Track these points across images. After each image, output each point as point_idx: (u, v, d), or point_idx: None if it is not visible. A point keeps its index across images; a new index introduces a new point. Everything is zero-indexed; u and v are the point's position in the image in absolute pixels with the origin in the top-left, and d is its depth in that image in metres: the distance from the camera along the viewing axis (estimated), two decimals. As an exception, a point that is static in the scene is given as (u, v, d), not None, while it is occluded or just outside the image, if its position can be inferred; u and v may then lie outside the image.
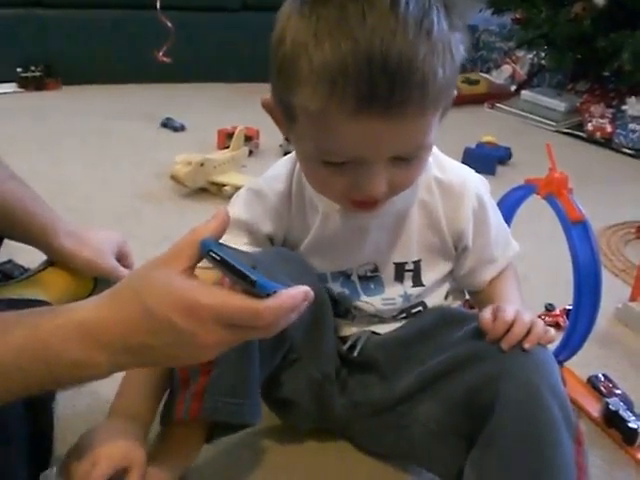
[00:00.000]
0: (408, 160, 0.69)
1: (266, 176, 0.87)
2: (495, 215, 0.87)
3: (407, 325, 0.88)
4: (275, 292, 0.55)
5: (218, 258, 0.56)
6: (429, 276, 0.86)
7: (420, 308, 0.88)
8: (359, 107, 0.62)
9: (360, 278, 0.86)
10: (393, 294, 0.86)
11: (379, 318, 0.89)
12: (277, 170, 0.86)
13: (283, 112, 0.71)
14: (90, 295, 0.96)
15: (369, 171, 0.68)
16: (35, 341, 0.56)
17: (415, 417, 0.82)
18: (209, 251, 0.57)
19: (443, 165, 0.84)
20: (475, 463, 0.73)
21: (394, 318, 0.89)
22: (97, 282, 1.01)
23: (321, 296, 0.82)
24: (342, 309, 0.89)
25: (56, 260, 0.98)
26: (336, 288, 0.87)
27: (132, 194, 1.68)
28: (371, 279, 0.86)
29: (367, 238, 0.83)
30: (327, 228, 0.83)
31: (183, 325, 0.55)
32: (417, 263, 0.85)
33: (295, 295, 0.56)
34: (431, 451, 0.81)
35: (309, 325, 0.81)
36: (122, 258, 1.03)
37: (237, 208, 0.85)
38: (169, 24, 2.13)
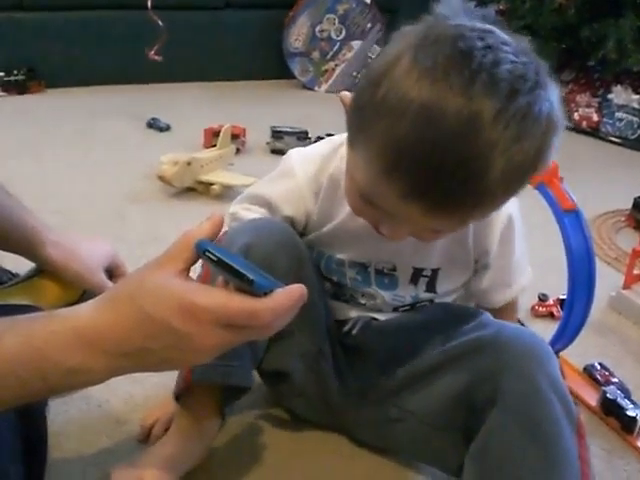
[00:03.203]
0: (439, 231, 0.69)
1: (305, 152, 0.85)
2: (520, 239, 0.86)
3: (408, 315, 0.87)
4: (272, 291, 0.55)
5: (215, 258, 0.56)
6: (444, 285, 0.86)
7: (425, 303, 0.88)
8: (404, 196, 0.60)
9: (377, 272, 0.85)
10: (404, 293, 0.86)
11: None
12: (314, 150, 0.85)
13: (348, 131, 0.68)
14: (79, 301, 0.96)
15: (395, 224, 0.68)
16: (29, 348, 0.55)
17: (412, 411, 0.82)
18: (205, 251, 0.56)
19: None
20: (475, 457, 0.72)
21: (396, 310, 0.88)
22: (85, 290, 0.99)
23: (309, 273, 0.83)
24: (348, 294, 0.88)
25: (44, 269, 0.97)
26: (350, 273, 0.86)
27: (119, 195, 1.66)
28: (387, 275, 0.85)
29: (389, 242, 0.81)
30: (351, 224, 0.81)
31: (181, 328, 0.54)
32: (435, 271, 0.84)
33: (292, 294, 0.56)
34: (430, 445, 0.81)
35: None
36: (114, 268, 1.01)
37: (262, 184, 0.88)
38: (160, 23, 2.11)
